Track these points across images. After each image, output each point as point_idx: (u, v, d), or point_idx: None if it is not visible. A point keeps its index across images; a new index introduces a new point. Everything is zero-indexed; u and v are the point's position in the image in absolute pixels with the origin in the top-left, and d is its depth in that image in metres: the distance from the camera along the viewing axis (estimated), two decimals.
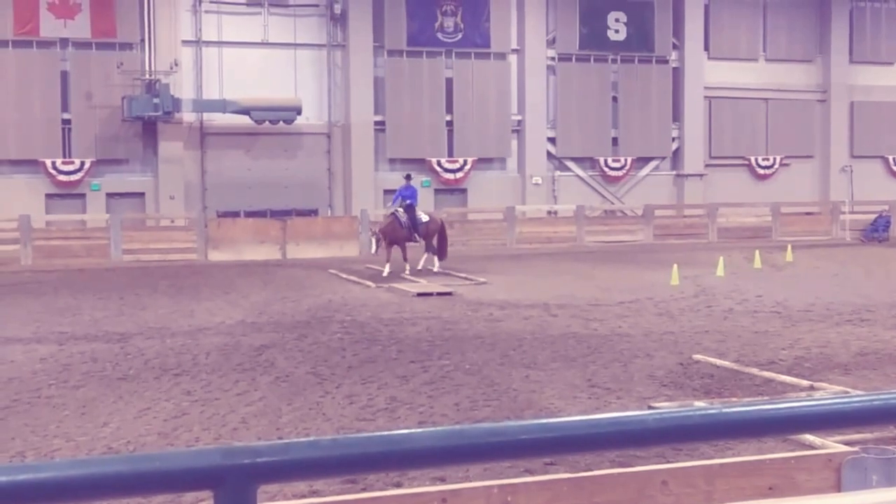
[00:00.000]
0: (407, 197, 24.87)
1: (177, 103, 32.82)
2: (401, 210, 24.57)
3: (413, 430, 2.01)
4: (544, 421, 2.00)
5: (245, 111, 33.43)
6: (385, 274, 23.53)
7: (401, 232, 24.33)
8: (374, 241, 24.37)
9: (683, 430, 2.12)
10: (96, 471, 1.89)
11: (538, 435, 1.99)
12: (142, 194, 33.71)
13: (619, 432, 2.04)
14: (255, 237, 31.17)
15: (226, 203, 34.14)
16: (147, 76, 32.96)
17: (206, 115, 34.03)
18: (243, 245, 30.72)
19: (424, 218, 24.92)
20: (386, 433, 1.90)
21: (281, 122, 33.97)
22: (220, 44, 34.33)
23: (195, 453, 1.94)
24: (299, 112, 34.03)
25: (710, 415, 2.15)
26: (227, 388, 11.39)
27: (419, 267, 24.37)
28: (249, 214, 33.73)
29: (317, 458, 1.91)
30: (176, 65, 33.24)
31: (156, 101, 32.31)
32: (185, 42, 33.89)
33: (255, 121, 33.60)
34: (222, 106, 33.47)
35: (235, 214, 33.76)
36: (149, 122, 33.05)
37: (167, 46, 33.31)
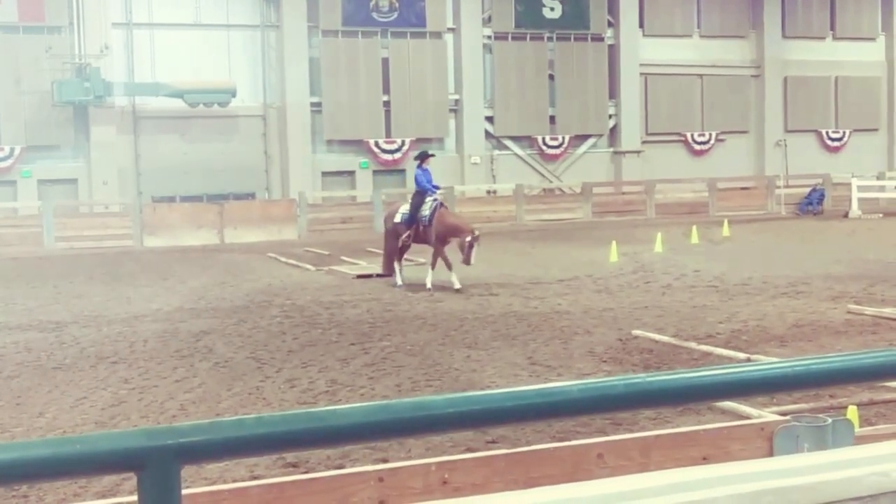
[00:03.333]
0: (419, 182, 18.70)
1: (108, 87, 32.34)
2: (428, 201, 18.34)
3: (338, 407, 1.99)
4: (470, 394, 1.99)
5: (178, 94, 33.03)
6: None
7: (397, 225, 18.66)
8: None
9: (608, 399, 2.12)
10: (17, 455, 1.85)
11: (464, 408, 1.98)
12: (74, 180, 33.21)
13: (544, 403, 2.04)
14: (192, 222, 30.85)
15: (161, 188, 33.74)
16: (77, 60, 32.44)
17: (138, 99, 33.58)
18: (180, 230, 30.39)
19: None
20: (310, 410, 1.88)
21: (215, 105, 33.62)
22: (151, 26, 33.84)
23: (117, 435, 1.90)
24: (234, 94, 33.72)
25: (635, 384, 2.15)
26: (166, 376, 11.27)
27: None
28: (185, 199, 33.36)
29: (241, 437, 1.88)
30: (106, 48, 32.73)
31: (86, 85, 31.81)
32: (115, 24, 33.36)
33: (189, 104, 33.21)
34: (155, 89, 33.05)
35: (171, 199, 33.38)
36: (80, 106, 32.53)
37: (97, 29, 32.77)
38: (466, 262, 17.62)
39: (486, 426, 2.97)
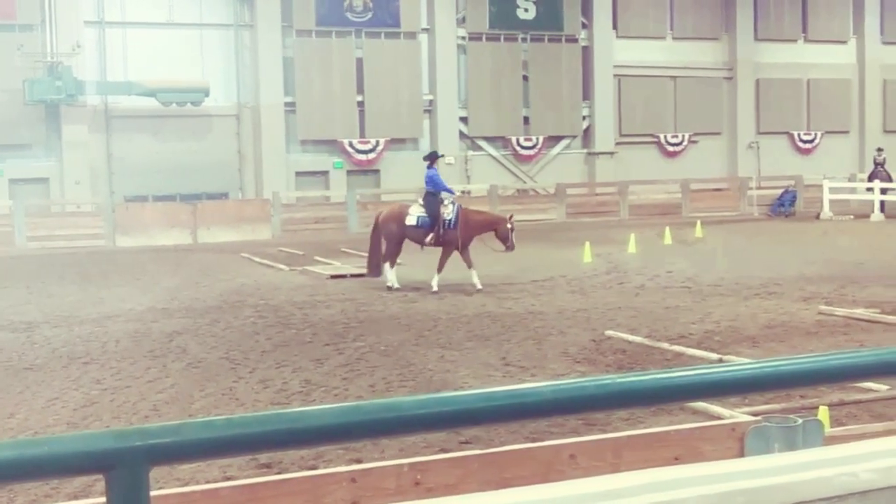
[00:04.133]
0: (426, 183, 18.49)
1: (80, 86, 32.13)
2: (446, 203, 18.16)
3: (308, 408, 1.99)
4: (441, 395, 1.99)
5: (151, 93, 32.86)
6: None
7: (408, 228, 18.11)
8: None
9: (580, 400, 2.13)
10: None
11: (435, 409, 1.99)
12: (46, 180, 32.96)
13: (516, 404, 2.04)
14: (165, 222, 30.69)
15: (134, 187, 33.54)
16: (49, 58, 32.22)
17: (111, 98, 33.38)
18: (153, 230, 30.22)
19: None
20: (281, 411, 1.87)
21: (188, 105, 33.47)
22: (123, 24, 33.65)
23: (86, 437, 1.89)
24: (207, 94, 33.57)
25: (606, 385, 2.17)
26: (138, 376, 11.21)
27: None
28: (158, 199, 33.19)
29: (211, 438, 1.88)
30: (78, 46, 32.50)
31: (58, 83, 31.60)
32: (87, 23, 33.14)
33: (162, 103, 33.05)
34: (127, 88, 32.87)
35: (144, 199, 33.20)
36: (51, 105, 32.30)
37: (69, 27, 32.55)
38: (511, 248, 18.16)
39: (458, 427, 2.98)
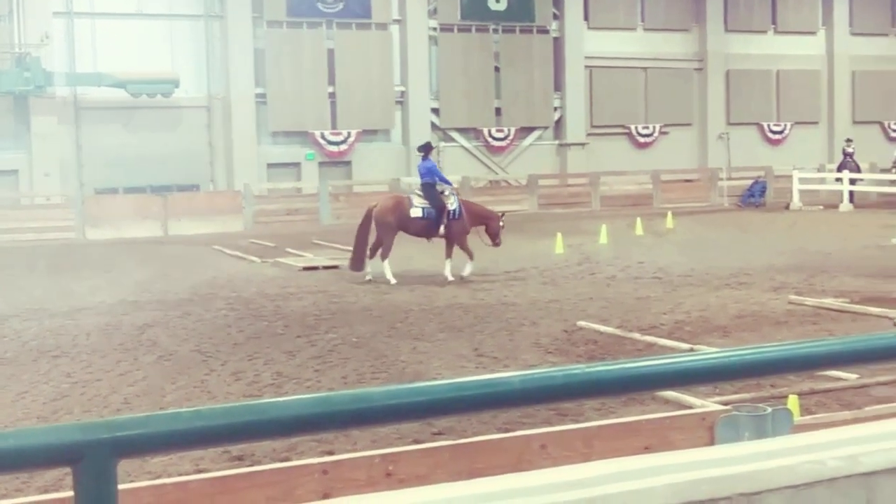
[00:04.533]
0: (421, 175, 18.36)
1: (49, 77, 31.84)
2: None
3: (276, 399, 1.99)
4: (410, 386, 1.99)
5: (121, 85, 32.60)
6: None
7: (411, 221, 17.93)
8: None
9: (549, 390, 2.14)
10: None
11: (405, 400, 1.99)
12: (15, 172, 32.65)
13: (485, 394, 2.05)
14: (136, 214, 30.50)
15: (104, 179, 33.29)
16: (16, 49, 31.89)
17: (80, 89, 33.09)
18: (123, 222, 30.02)
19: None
20: (249, 402, 1.87)
21: (158, 96, 33.24)
22: (92, 15, 33.36)
23: (52, 429, 1.88)
24: (177, 85, 33.35)
25: (574, 374, 2.17)
26: (109, 369, 11.16)
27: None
28: (129, 191, 32.95)
29: (179, 430, 1.87)
30: (47, 37, 32.19)
31: (26, 75, 31.30)
32: (55, 13, 32.83)
33: (132, 94, 32.80)
34: (97, 79, 32.59)
35: (114, 191, 32.96)
36: (20, 97, 31.99)
37: (37, 18, 32.24)
38: (499, 244, 18.50)
39: (427, 418, 2.98)
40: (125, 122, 33.65)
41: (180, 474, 6.71)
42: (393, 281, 17.49)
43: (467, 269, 17.73)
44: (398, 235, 18.22)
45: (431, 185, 18.09)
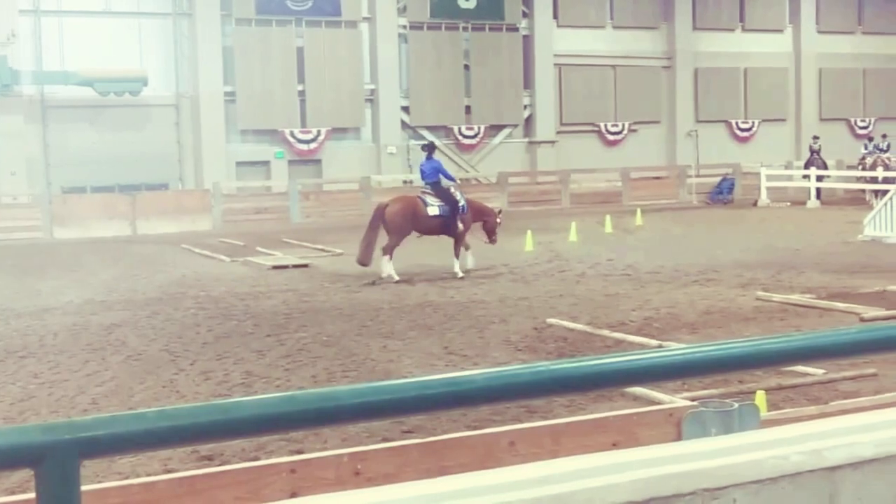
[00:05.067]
0: (427, 174, 18.47)
1: (15, 75, 31.58)
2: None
3: (242, 398, 1.98)
4: (376, 384, 1.99)
5: (88, 83, 32.37)
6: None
7: (428, 220, 17.95)
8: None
9: (514, 387, 2.15)
10: None
11: (370, 398, 1.99)
12: None
13: (450, 392, 2.05)
14: (104, 213, 30.32)
15: (71, 178, 33.05)
16: None
17: (47, 88, 32.84)
18: (91, 221, 29.83)
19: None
20: (214, 402, 1.86)
21: (126, 94, 33.02)
22: (59, 13, 33.11)
23: (13, 430, 1.86)
24: (145, 83, 33.15)
25: (540, 371, 2.18)
26: (77, 369, 11.08)
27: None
28: (97, 190, 32.74)
29: (143, 430, 1.86)
30: (13, 35, 31.90)
31: None
32: (22, 11, 32.56)
33: (100, 93, 32.58)
34: (64, 78, 32.34)
35: (82, 190, 32.74)
36: None
37: (3, 16, 31.95)
38: (495, 241, 18.83)
39: (393, 416, 2.98)
40: (93, 120, 33.42)
41: (148, 474, 6.68)
42: (396, 278, 17.42)
43: (468, 262, 18.03)
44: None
45: (438, 183, 18.25)
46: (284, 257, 21.44)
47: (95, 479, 6.78)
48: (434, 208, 17.95)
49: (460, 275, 17.64)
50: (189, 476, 3.12)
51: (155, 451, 2.72)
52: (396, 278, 17.44)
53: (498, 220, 18.80)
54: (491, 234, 18.69)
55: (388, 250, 17.72)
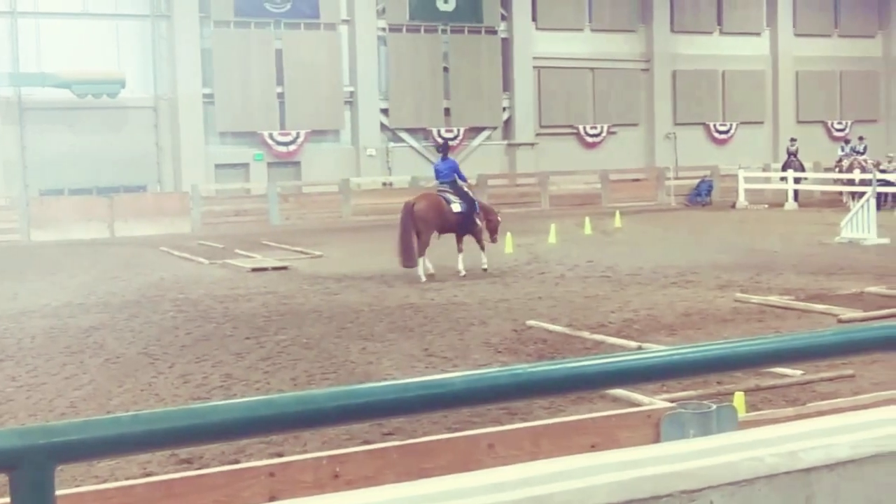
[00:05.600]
0: (444, 174, 18.75)
1: None
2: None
3: (218, 403, 1.97)
4: (353, 387, 1.99)
5: (66, 85, 32.22)
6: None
7: (452, 216, 18.14)
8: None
9: (492, 390, 2.15)
10: None
11: (347, 401, 1.98)
12: None
13: (428, 395, 2.05)
14: (81, 215, 30.16)
15: (49, 181, 32.88)
16: None
17: (24, 90, 32.66)
18: (69, 224, 29.68)
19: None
20: (190, 406, 1.85)
21: (104, 96, 32.89)
22: (37, 14, 32.94)
23: None
24: (123, 85, 33.02)
25: (518, 374, 2.18)
26: (55, 372, 11.01)
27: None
28: (74, 192, 32.58)
29: (118, 435, 1.85)
30: None
31: None
32: None
33: (77, 95, 32.43)
34: (41, 80, 32.18)
35: (59, 192, 32.58)
36: None
37: None
38: (495, 241, 19.15)
39: (371, 419, 2.98)
40: (70, 122, 33.25)
41: (127, 478, 6.65)
42: (423, 278, 17.53)
43: (461, 265, 18.26)
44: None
45: (454, 182, 18.51)
46: (264, 259, 21.39)
47: (73, 482, 6.75)
48: (457, 205, 18.19)
49: (463, 272, 17.96)
50: (167, 480, 3.11)
51: (131, 455, 2.71)
52: (424, 278, 17.56)
53: (499, 220, 19.11)
54: (494, 232, 18.93)
55: (422, 250, 17.80)
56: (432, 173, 38.56)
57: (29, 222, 29.69)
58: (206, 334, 13.09)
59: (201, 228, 30.76)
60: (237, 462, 7.17)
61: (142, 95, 34.29)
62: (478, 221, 18.41)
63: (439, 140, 37.99)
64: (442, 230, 18.32)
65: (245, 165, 35.73)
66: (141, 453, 3.17)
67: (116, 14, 34.02)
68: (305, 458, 3.33)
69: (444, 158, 18.97)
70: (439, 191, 18.56)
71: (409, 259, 17.76)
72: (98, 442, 1.83)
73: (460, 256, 18.29)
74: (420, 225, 17.82)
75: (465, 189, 18.71)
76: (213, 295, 16.65)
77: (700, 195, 36.23)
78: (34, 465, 1.78)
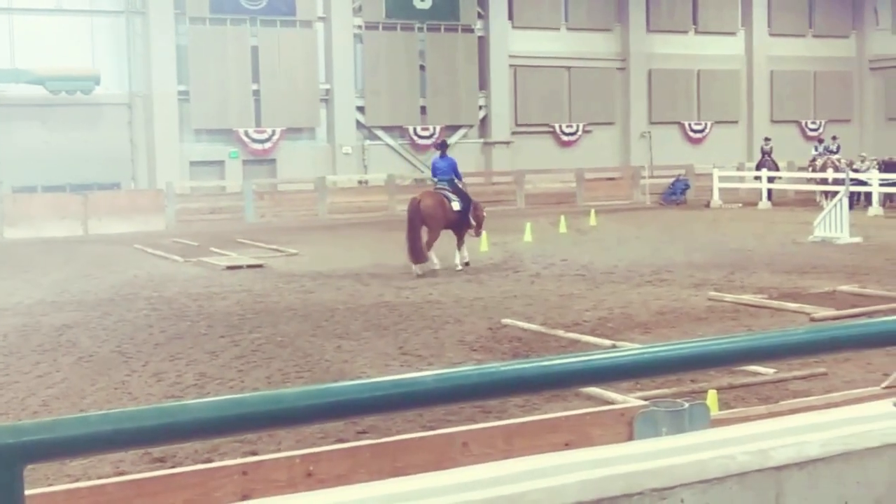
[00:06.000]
0: (442, 171, 19.13)
1: None
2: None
3: (188, 402, 1.96)
4: (325, 386, 1.99)
5: (40, 81, 32.00)
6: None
7: (452, 214, 18.62)
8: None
9: (464, 388, 2.15)
10: None
11: (318, 400, 1.98)
12: None
13: (399, 394, 2.05)
14: (55, 213, 29.96)
15: (22, 178, 32.63)
16: None
17: None
18: (42, 221, 29.47)
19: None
20: (160, 405, 1.84)
21: (78, 93, 32.68)
22: (10, 10, 32.71)
23: None
24: (98, 82, 32.83)
25: (489, 373, 2.19)
26: (27, 371, 10.94)
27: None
28: (47, 189, 32.37)
29: (87, 434, 1.84)
30: None
31: None
32: None
33: (51, 91, 32.22)
34: (14, 76, 31.95)
35: (32, 190, 32.35)
36: None
37: None
38: (480, 233, 19.80)
39: (342, 418, 2.97)
40: (44, 119, 33.04)
41: (99, 477, 6.62)
42: (438, 265, 18.19)
43: (465, 256, 18.78)
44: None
45: (452, 180, 18.91)
46: (239, 257, 21.31)
47: (46, 481, 6.71)
48: (456, 203, 18.65)
49: (459, 267, 18.43)
50: (139, 479, 3.09)
51: (101, 454, 2.69)
52: (438, 264, 18.24)
53: (484, 214, 19.47)
54: (479, 225, 19.29)
55: (429, 245, 18.23)
56: (408, 171, 38.72)
57: (1, 220, 29.47)
58: (180, 332, 13.03)
59: (176, 226, 30.62)
60: (211, 461, 7.14)
61: (116, 92, 34.10)
62: (471, 220, 18.83)
63: (414, 138, 38.28)
64: (444, 227, 18.68)
65: (220, 163, 35.60)
66: (111, 452, 3.15)
67: (91, 10, 33.82)
68: (279, 456, 3.32)
69: (443, 156, 19.30)
70: (438, 188, 18.90)
71: (417, 254, 18.12)
72: (68, 441, 1.82)
73: (457, 252, 18.66)
74: (429, 221, 18.29)
75: (461, 186, 19.12)
76: (187, 293, 16.58)
77: (675, 194, 36.36)
78: (2, 464, 1.77)
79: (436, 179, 19.20)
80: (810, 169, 34.05)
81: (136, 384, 10.24)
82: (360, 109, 37.67)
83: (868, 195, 30.24)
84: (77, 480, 6.59)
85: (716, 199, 34.24)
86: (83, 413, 9.15)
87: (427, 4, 38.27)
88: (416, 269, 17.93)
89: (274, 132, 35.93)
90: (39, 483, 6.66)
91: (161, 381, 10.33)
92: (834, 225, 22.09)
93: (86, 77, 32.70)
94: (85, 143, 33.42)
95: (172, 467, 6.85)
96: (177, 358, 11.43)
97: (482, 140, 39.85)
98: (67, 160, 32.88)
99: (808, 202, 32.88)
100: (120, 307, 15.22)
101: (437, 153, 19.76)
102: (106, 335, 12.95)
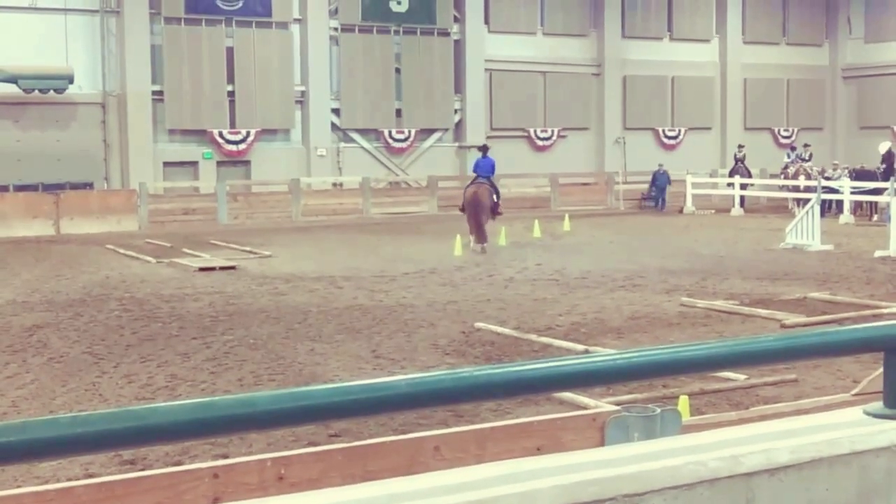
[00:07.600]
0: (483, 169, 23.22)
1: None
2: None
3: (158, 405, 1.96)
4: (296, 390, 1.98)
5: (12, 79, 31.73)
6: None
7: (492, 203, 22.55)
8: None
9: (437, 393, 2.15)
10: None
11: (289, 404, 1.98)
12: None
13: (372, 398, 2.05)
14: (26, 212, 29.73)
15: None
16: None
17: None
18: (13, 221, 29.24)
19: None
20: (130, 408, 1.83)
21: (51, 92, 32.42)
22: None
23: None
24: (71, 81, 32.59)
25: (462, 377, 2.19)
26: None
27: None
28: (19, 189, 32.09)
29: (55, 436, 1.83)
30: None
31: None
32: None
33: (24, 90, 31.95)
34: None
35: (4, 189, 32.07)
36: None
37: None
38: (495, 218, 22.97)
39: (313, 422, 2.97)
40: (16, 117, 32.78)
41: (69, 479, 6.57)
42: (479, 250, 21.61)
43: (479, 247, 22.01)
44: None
45: (490, 177, 22.81)
46: (211, 259, 21.22)
47: (14, 483, 6.66)
48: (495, 196, 22.46)
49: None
50: (108, 481, 3.07)
51: (69, 457, 2.67)
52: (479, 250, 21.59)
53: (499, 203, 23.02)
54: (495, 213, 22.81)
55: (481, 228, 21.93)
56: (383, 173, 38.66)
57: None
58: (151, 334, 12.97)
59: (149, 227, 30.47)
60: (181, 463, 7.11)
61: (90, 91, 33.88)
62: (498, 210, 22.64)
63: (390, 141, 38.23)
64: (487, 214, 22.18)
65: (194, 164, 35.43)
66: (79, 455, 3.13)
67: (65, 9, 33.57)
68: (250, 459, 3.31)
69: (485, 157, 23.17)
70: (480, 182, 22.55)
71: (484, 235, 22.07)
72: (36, 443, 1.81)
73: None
74: (484, 207, 21.95)
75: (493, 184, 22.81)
76: (159, 294, 16.50)
77: (654, 195, 36.52)
78: None
79: (477, 175, 22.98)
80: (783, 176, 34.28)
81: (107, 386, 10.19)
82: (336, 112, 37.59)
83: (839, 203, 30.48)
84: (46, 482, 6.54)
85: (689, 205, 34.42)
86: (53, 415, 9.10)
87: (403, 7, 38.25)
88: (481, 247, 21.71)
89: (248, 133, 35.81)
90: (8, 485, 6.61)
91: (132, 383, 10.28)
92: (805, 232, 22.25)
93: (59, 76, 32.46)
94: (58, 142, 33.19)
95: (142, 470, 6.81)
96: (148, 360, 11.38)
97: (457, 144, 39.85)
98: (40, 159, 32.63)
99: (781, 209, 33.11)
100: (91, 308, 15.13)
101: (480, 154, 23.68)
102: (77, 336, 12.87)
